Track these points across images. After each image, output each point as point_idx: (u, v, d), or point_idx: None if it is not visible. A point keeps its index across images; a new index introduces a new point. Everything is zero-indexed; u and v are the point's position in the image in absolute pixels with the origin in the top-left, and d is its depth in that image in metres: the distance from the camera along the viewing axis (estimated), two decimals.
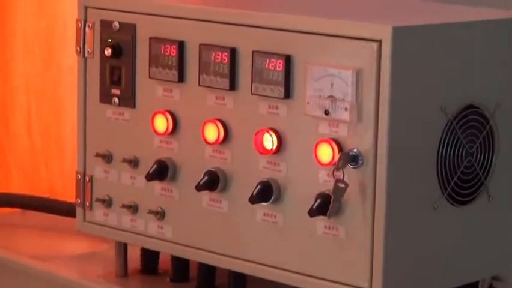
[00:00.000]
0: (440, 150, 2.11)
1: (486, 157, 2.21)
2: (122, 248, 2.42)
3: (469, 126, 2.15)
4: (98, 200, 2.40)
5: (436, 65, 2.11)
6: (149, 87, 2.30)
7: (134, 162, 2.33)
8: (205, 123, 2.21)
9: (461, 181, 2.15)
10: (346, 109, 2.01)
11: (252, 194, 2.10)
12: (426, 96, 2.08)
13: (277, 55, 2.10)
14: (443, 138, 2.10)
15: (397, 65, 1.98)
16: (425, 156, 2.10)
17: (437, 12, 2.30)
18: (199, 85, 2.22)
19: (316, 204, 2.04)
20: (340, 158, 2.01)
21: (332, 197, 2.04)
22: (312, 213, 2.04)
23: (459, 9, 2.32)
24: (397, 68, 1.99)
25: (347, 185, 2.03)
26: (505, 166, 2.24)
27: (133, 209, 2.34)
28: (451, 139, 2.12)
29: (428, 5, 2.35)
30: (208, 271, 2.37)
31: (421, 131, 2.09)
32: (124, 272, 2.42)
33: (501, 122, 2.22)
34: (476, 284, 2.35)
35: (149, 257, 2.43)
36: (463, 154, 2.15)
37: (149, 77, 2.28)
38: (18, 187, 2.97)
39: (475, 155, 2.18)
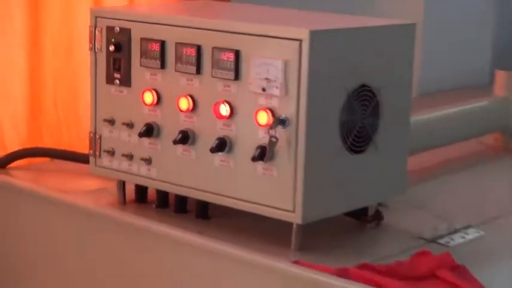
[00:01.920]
0: (342, 115, 2.10)
1: (374, 121, 2.20)
2: (122, 185, 2.42)
3: (363, 99, 2.15)
4: (105, 151, 2.39)
5: (341, 57, 2.11)
6: (140, 72, 2.28)
7: (130, 125, 2.31)
8: (179, 97, 2.20)
9: (357, 137, 2.16)
10: (277, 87, 2.03)
11: (212, 146, 2.12)
12: (333, 78, 2.08)
13: (230, 50, 2.10)
14: (344, 107, 2.10)
15: (313, 57, 2.00)
16: (332, 120, 2.09)
17: (342, 19, 2.33)
18: (175, 71, 2.20)
19: (257, 153, 2.05)
20: (273, 121, 2.03)
21: (268, 148, 2.05)
22: (254, 159, 2.06)
23: (358, 18, 2.34)
24: (313, 59, 2.00)
25: (277, 139, 2.04)
26: (387, 127, 2.24)
27: (129, 157, 2.33)
28: (350, 108, 2.12)
29: (336, 15, 2.36)
30: (182, 200, 2.36)
31: (329, 102, 2.08)
32: (123, 201, 2.42)
33: (384, 97, 2.21)
34: (366, 208, 2.34)
35: (141, 191, 2.43)
36: (358, 118, 2.15)
37: (140, 65, 2.27)
38: (48, 144, 2.95)
39: (366, 119, 2.17)
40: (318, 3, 3.95)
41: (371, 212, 2.35)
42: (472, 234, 2.37)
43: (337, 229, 2.33)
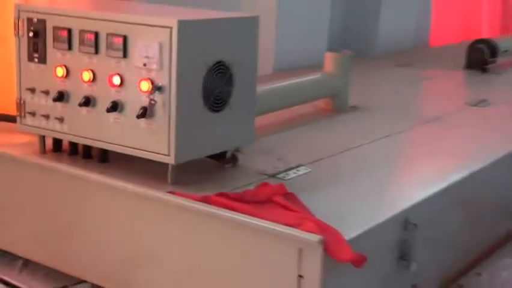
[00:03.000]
0: (204, 83, 2.11)
1: (228, 88, 2.20)
2: (42, 139, 2.38)
3: (219, 72, 2.15)
4: (28, 113, 2.35)
5: (202, 40, 2.11)
6: (53, 52, 2.24)
7: (46, 92, 2.27)
8: (82, 71, 2.18)
9: (215, 100, 2.16)
10: (155, 63, 2.05)
11: (108, 107, 2.12)
12: (196, 56, 2.08)
13: (119, 35, 2.11)
14: (205, 78, 2.11)
15: (180, 40, 2.01)
16: (196, 87, 2.10)
17: (204, 13, 2.32)
18: (79, 51, 2.19)
19: (140, 112, 2.07)
20: (152, 88, 2.04)
21: (148, 108, 2.07)
22: (138, 117, 2.08)
23: (215, 12, 2.32)
24: (180, 42, 2.02)
25: (155, 102, 2.06)
26: (238, 93, 2.24)
27: (47, 117, 2.30)
28: (210, 78, 2.12)
29: (200, 10, 2.34)
30: (87, 148, 2.34)
31: (193, 74, 2.09)
32: (43, 151, 2.38)
33: (236, 71, 2.21)
34: (225, 153, 2.36)
35: (57, 143, 2.38)
36: (216, 86, 2.16)
37: (53, 47, 2.25)
38: None
39: (222, 87, 2.18)
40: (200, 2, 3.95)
41: (228, 156, 2.35)
42: (302, 171, 2.41)
43: (203, 169, 2.32)
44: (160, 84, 2.05)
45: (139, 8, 2.61)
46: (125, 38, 2.10)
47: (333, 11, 4.88)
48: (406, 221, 2.09)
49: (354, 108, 3.34)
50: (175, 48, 2.01)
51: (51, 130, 2.34)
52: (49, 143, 2.42)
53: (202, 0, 3.90)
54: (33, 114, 2.36)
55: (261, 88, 2.89)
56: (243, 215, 1.90)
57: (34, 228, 2.41)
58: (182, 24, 2.01)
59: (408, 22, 5.32)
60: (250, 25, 2.29)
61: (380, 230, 2.01)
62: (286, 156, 2.56)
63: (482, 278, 2.38)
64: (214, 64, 2.13)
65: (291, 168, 2.42)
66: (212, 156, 2.33)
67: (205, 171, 2.32)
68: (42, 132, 2.38)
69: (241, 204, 1.96)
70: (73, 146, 2.38)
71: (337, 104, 3.27)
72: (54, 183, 2.32)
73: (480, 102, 3.59)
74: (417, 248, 2.13)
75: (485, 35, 6.52)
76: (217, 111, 2.19)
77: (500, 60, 4.37)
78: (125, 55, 2.11)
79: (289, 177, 2.34)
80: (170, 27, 2.01)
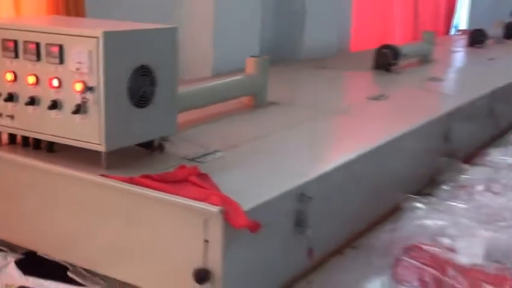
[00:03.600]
0: (129, 84, 2.12)
1: (152, 88, 2.21)
2: None
3: (143, 74, 2.16)
4: None
5: (127, 48, 2.12)
6: (3, 61, 2.25)
7: (1, 95, 2.27)
8: (27, 75, 2.18)
9: (140, 98, 2.17)
10: (86, 67, 2.07)
11: (49, 105, 2.15)
12: (121, 61, 2.10)
13: (56, 45, 2.11)
14: (130, 79, 2.12)
15: (105, 48, 2.03)
16: (122, 87, 2.10)
17: (128, 24, 2.31)
18: (24, 59, 2.19)
19: (75, 109, 2.09)
20: (84, 89, 2.07)
21: (82, 105, 2.09)
22: (74, 113, 2.10)
23: (139, 24, 2.32)
24: (105, 50, 2.03)
25: (87, 100, 2.08)
26: (161, 92, 2.24)
27: (0, 115, 2.30)
28: (134, 80, 2.13)
29: (126, 22, 2.32)
30: (37, 141, 2.33)
31: (119, 76, 2.10)
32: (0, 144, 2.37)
33: (158, 74, 2.20)
34: (153, 141, 2.35)
35: (11, 137, 2.38)
36: (140, 86, 2.16)
37: (2, 56, 2.25)
38: None
39: (146, 87, 2.19)
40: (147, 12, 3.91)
41: (155, 144, 2.35)
42: (218, 155, 2.43)
43: (134, 155, 2.31)
44: (90, 85, 2.06)
45: (73, 21, 2.61)
46: (61, 47, 2.11)
47: (266, 21, 4.86)
48: (302, 194, 2.14)
49: (273, 103, 3.36)
50: (102, 55, 2.03)
51: (4, 126, 2.33)
52: (5, 137, 2.41)
53: (148, 11, 3.96)
54: None
55: (193, 87, 2.98)
56: (162, 192, 1.94)
57: None
58: (106, 34, 2.03)
59: (331, 31, 5.34)
60: (170, 34, 2.29)
61: (278, 202, 2.07)
62: (207, 143, 2.57)
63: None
64: (138, 68, 2.14)
65: (209, 153, 2.43)
66: (141, 145, 2.33)
67: (136, 157, 2.31)
68: (2, 129, 2.37)
69: (160, 184, 1.99)
70: (24, 139, 2.37)
71: (257, 101, 3.29)
72: (10, 171, 2.33)
73: (380, 97, 3.66)
74: (313, 217, 2.17)
75: (398, 40, 6.61)
76: (142, 107, 2.20)
77: (401, 62, 4.48)
78: (61, 61, 2.12)
79: (206, 160, 2.36)
80: (97, 37, 2.03)
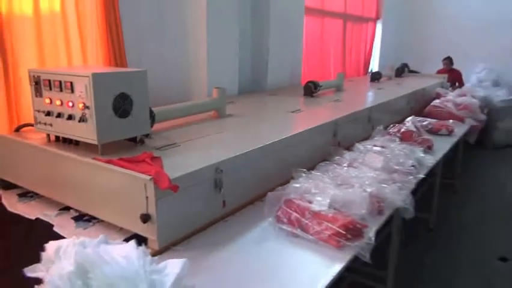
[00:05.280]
0: (114, 104, 2.11)
1: (130, 105, 2.19)
2: (48, 136, 2.36)
3: (122, 98, 2.15)
4: (38, 122, 2.34)
5: (110, 83, 2.12)
6: (44, 92, 2.28)
7: (44, 112, 2.28)
8: (55, 99, 2.20)
9: (122, 112, 2.19)
10: (85, 94, 2.13)
11: (67, 117, 2.23)
12: (106, 90, 2.12)
13: (69, 82, 2.16)
14: (114, 101, 2.14)
15: (94, 83, 2.06)
16: (108, 105, 2.11)
17: (112, 69, 2.26)
18: (54, 90, 2.22)
19: (79, 119, 2.12)
20: (84, 107, 2.14)
21: (83, 117, 2.11)
22: (79, 121, 2.13)
23: (119, 69, 2.27)
24: (94, 84, 2.05)
25: (86, 113, 2.14)
26: (138, 107, 2.24)
27: (45, 124, 2.31)
28: (117, 101, 2.13)
29: (111, 68, 2.31)
30: (69, 139, 2.31)
31: (106, 99, 2.10)
32: (49, 141, 2.35)
33: (134, 97, 2.19)
34: (135, 138, 2.31)
35: (57, 137, 2.32)
36: (121, 105, 2.18)
37: (44, 90, 2.28)
38: None
39: (126, 105, 2.20)
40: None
41: (138, 138, 2.37)
42: (176, 146, 2.42)
43: (122, 147, 2.31)
44: (88, 105, 2.11)
45: (80, 68, 2.48)
46: (71, 83, 2.17)
47: (244, 61, 4.93)
48: (217, 168, 2.17)
49: (230, 115, 3.34)
50: (92, 87, 2.08)
51: (46, 130, 2.33)
52: (44, 136, 2.40)
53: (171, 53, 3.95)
54: (39, 122, 2.37)
55: (178, 105, 3.11)
56: (124, 168, 1.97)
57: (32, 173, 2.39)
58: (93, 75, 2.08)
59: (285, 69, 5.33)
60: (142, 74, 2.28)
61: (200, 172, 2.09)
62: (174, 139, 2.55)
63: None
64: (119, 94, 2.17)
65: (170, 145, 2.44)
66: (129, 139, 2.34)
67: (126, 147, 2.32)
68: (47, 132, 2.37)
69: (126, 163, 2.01)
70: (57, 138, 2.37)
71: (220, 113, 3.30)
72: (46, 155, 2.31)
73: (296, 111, 3.70)
74: (226, 182, 2.19)
75: (332, 77, 6.75)
76: (124, 117, 2.22)
77: (321, 91, 4.72)
78: (72, 91, 2.17)
79: (167, 149, 2.37)
80: (89, 76, 2.07)
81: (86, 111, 2.12)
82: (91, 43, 3.37)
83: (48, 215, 2.17)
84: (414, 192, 2.67)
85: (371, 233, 2.03)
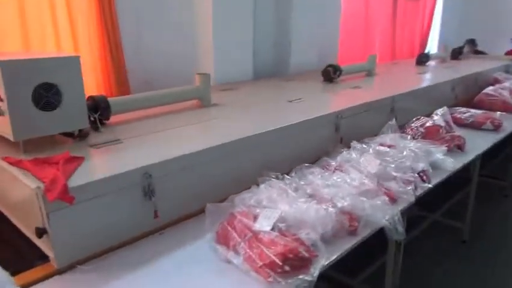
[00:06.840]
0: (33, 95, 1.94)
1: (58, 97, 2.00)
2: None
3: (45, 88, 1.96)
4: None
5: (25, 70, 1.89)
6: None
7: None
8: None
9: (45, 104, 1.98)
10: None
11: None
12: (22, 80, 1.88)
13: None
14: (34, 91, 1.93)
15: (4, 73, 1.85)
16: (27, 97, 1.92)
17: (35, 54, 2.07)
18: None
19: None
20: (1, 99, 1.99)
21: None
22: None
23: (47, 53, 2.15)
24: (3, 74, 1.85)
25: (1, 106, 2.01)
26: (68, 99, 2.03)
27: None
28: (38, 91, 1.93)
29: (34, 52, 2.12)
30: None
31: (21, 90, 1.90)
32: None
33: (62, 87, 1.99)
34: (73, 132, 2.16)
35: None
36: (43, 96, 1.95)
37: None
38: None
39: (51, 96, 1.97)
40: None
41: (76, 133, 2.19)
42: (117, 143, 2.18)
43: (58, 143, 2.15)
44: (2, 97, 1.92)
45: (4, 54, 2.29)
46: None
47: (265, 43, 4.58)
48: (146, 172, 1.94)
49: (215, 105, 3.11)
50: (1, 76, 1.88)
51: None
52: None
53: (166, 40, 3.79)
54: None
55: (157, 92, 2.87)
56: (24, 170, 1.79)
57: None
58: (2, 63, 1.86)
59: (312, 51, 4.89)
60: (71, 61, 2.05)
61: (122, 177, 1.85)
62: (126, 134, 2.32)
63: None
64: (40, 84, 1.96)
65: (112, 141, 2.22)
66: (65, 134, 2.16)
67: (59, 145, 2.13)
68: None
69: (33, 165, 1.81)
70: None
71: (203, 102, 3.09)
72: None
73: (296, 100, 3.28)
74: (160, 189, 1.95)
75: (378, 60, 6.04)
76: (49, 110, 2.01)
77: (345, 76, 4.28)
78: None
79: (104, 146, 2.14)
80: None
81: (2, 104, 1.90)
82: (82, 26, 3.20)
83: None
84: (448, 197, 2.21)
85: (317, 266, 1.58)
